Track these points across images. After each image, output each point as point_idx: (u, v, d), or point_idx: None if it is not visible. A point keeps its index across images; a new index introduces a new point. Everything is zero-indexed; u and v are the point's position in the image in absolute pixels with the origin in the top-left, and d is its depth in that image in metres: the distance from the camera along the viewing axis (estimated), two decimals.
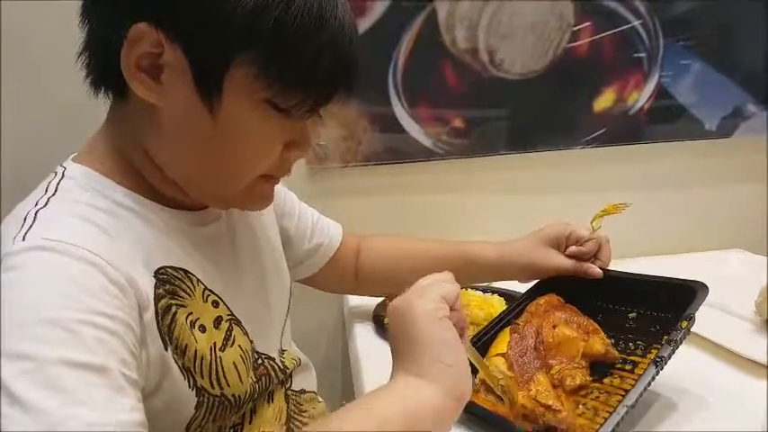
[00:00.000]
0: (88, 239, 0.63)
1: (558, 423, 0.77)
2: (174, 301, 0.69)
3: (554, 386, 0.83)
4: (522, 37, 1.41)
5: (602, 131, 1.48)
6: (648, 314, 0.93)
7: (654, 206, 1.55)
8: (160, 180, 0.74)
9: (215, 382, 0.73)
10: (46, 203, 0.66)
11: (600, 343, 0.88)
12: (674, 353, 0.80)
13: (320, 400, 0.97)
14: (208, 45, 0.65)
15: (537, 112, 1.46)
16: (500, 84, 1.43)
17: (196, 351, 0.70)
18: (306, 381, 0.95)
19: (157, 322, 0.66)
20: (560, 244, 1.03)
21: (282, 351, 0.91)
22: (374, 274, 1.15)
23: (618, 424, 0.72)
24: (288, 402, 0.89)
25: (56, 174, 0.72)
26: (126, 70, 0.65)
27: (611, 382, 0.84)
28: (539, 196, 1.53)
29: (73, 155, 0.76)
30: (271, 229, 0.96)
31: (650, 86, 1.47)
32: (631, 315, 0.95)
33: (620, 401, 0.75)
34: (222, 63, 0.65)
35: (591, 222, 1.02)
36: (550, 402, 0.78)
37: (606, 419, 0.73)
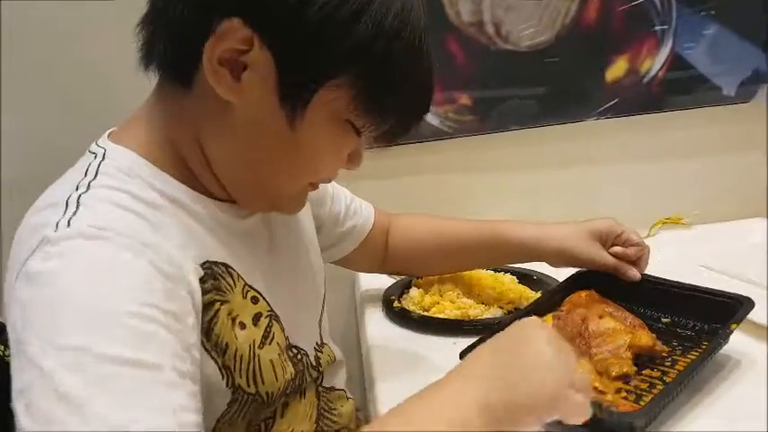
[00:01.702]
0: (135, 229, 0.61)
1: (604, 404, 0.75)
2: (217, 297, 0.68)
3: (599, 373, 0.82)
4: (528, 7, 1.35)
5: (615, 102, 1.43)
6: (682, 321, 0.94)
7: (672, 176, 1.51)
8: (207, 173, 0.72)
9: (251, 381, 0.72)
10: (87, 188, 0.64)
11: (647, 336, 0.88)
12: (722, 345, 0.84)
13: (349, 396, 0.96)
14: (306, 61, 0.64)
15: (547, 85, 1.41)
16: (507, 57, 1.38)
17: (236, 350, 0.69)
18: (336, 378, 0.94)
19: (200, 315, 0.65)
20: (606, 240, 1.02)
21: (321, 345, 0.90)
22: (404, 252, 1.14)
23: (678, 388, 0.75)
24: (319, 400, 0.87)
25: (94, 155, 0.69)
26: (208, 63, 0.63)
27: (651, 374, 0.84)
28: (552, 172, 1.49)
29: (109, 131, 0.73)
30: (305, 218, 0.95)
31: (664, 53, 1.41)
32: (665, 320, 0.96)
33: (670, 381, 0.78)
34: (318, 81, 0.64)
35: (650, 228, 0.99)
36: (596, 384, 0.78)
37: (669, 384, 0.77)
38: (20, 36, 1.24)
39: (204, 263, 0.68)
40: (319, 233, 1.00)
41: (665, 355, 0.87)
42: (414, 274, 1.22)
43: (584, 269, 1.04)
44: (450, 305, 1.11)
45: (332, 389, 0.92)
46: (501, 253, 1.10)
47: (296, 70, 0.64)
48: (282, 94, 0.65)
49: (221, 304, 0.69)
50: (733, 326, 0.85)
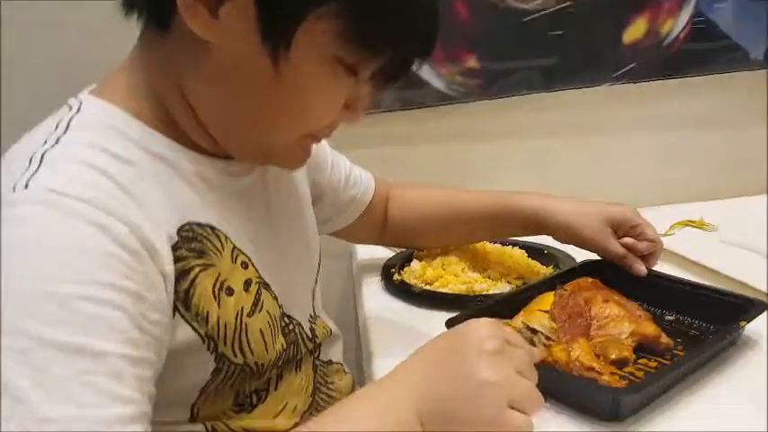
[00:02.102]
0: (100, 194, 0.56)
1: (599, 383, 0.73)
2: (198, 262, 0.64)
3: (596, 354, 0.78)
4: None
5: (632, 66, 1.35)
6: (687, 320, 0.89)
7: (690, 147, 1.43)
8: (193, 125, 0.67)
9: (238, 351, 0.68)
10: (55, 143, 0.59)
11: (653, 326, 0.83)
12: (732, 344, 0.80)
13: (347, 371, 0.91)
14: None
15: (559, 47, 1.33)
16: (517, 16, 1.29)
17: (219, 318, 0.65)
18: (333, 351, 0.90)
19: (175, 286, 0.61)
20: (619, 229, 0.96)
21: (315, 317, 0.86)
22: (404, 224, 1.09)
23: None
24: (315, 373, 0.84)
25: (69, 107, 0.64)
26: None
27: (648, 363, 0.80)
28: (563, 140, 1.42)
29: (90, 87, 0.68)
30: (302, 184, 0.90)
31: (687, 14, 1.32)
32: (669, 318, 0.90)
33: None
34: (301, 14, 0.59)
35: (670, 227, 1.00)
36: (593, 365, 0.74)
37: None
38: (20, 36, 1.21)
39: (184, 225, 0.64)
40: (318, 203, 0.95)
41: (666, 349, 0.82)
42: (414, 246, 1.15)
43: (594, 258, 0.98)
44: (453, 279, 1.03)
45: (329, 362, 0.88)
46: (509, 224, 1.04)
47: (276, 1, 0.59)
48: (264, 30, 0.60)
49: (203, 269, 0.64)
50: (743, 323, 0.79)
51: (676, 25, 1.32)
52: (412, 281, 1.05)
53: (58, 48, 1.21)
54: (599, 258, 0.97)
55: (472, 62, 1.31)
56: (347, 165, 1.03)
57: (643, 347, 0.81)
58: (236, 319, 0.67)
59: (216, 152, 0.69)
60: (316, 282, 0.89)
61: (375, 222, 1.08)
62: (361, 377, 0.99)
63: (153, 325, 0.56)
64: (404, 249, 1.18)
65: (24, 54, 1.22)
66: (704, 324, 0.87)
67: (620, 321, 0.83)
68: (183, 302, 0.62)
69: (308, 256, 0.88)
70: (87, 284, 0.51)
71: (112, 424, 0.49)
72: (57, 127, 0.61)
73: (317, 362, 0.85)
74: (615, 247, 0.95)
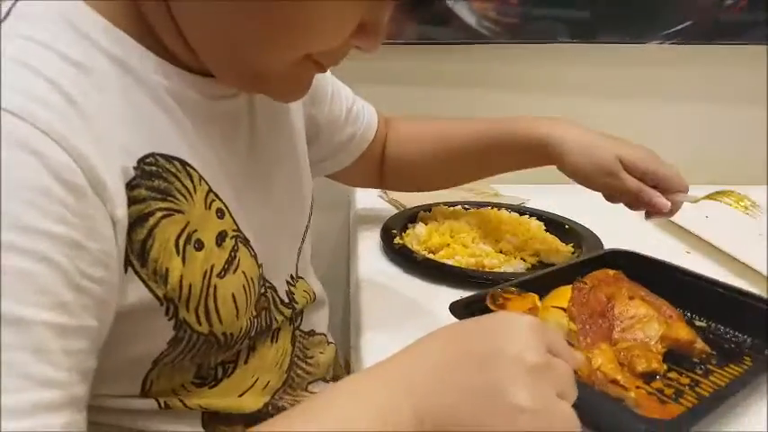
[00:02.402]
0: (39, 107, 0.45)
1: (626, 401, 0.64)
2: (161, 205, 0.53)
3: (621, 364, 0.69)
4: None
5: (687, 25, 1.21)
6: (721, 328, 0.78)
7: (741, 122, 1.30)
8: (171, 32, 0.55)
9: (203, 317, 0.57)
10: None
11: (686, 329, 0.72)
12: None
13: (330, 341, 0.83)
14: None
15: None
16: None
17: (182, 277, 0.55)
18: (317, 320, 0.81)
19: (128, 235, 0.50)
20: (632, 172, 0.84)
21: (296, 279, 0.76)
22: (400, 163, 0.98)
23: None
24: (294, 345, 0.74)
25: None
26: None
27: (680, 379, 0.69)
28: (598, 99, 1.29)
29: None
30: (297, 118, 0.78)
31: None
32: (699, 323, 0.79)
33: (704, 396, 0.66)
34: None
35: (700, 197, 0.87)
36: (618, 377, 0.65)
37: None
38: None
39: (147, 156, 0.52)
40: (313, 142, 0.83)
41: (697, 360, 0.72)
42: (414, 188, 1.05)
43: (622, 249, 0.87)
44: (462, 250, 0.92)
45: (311, 333, 0.79)
46: (514, 153, 0.92)
47: None
48: None
49: (166, 215, 0.53)
50: None
51: None
52: (414, 246, 0.94)
53: None
54: (626, 250, 0.86)
55: None
56: (349, 96, 0.91)
57: (672, 353, 0.71)
58: (204, 279, 0.57)
59: (195, 68, 0.58)
60: (303, 238, 0.78)
61: (374, 163, 0.97)
62: (345, 345, 0.90)
63: (94, 283, 0.46)
64: (406, 207, 1.07)
65: None
66: (742, 336, 0.75)
67: (647, 323, 0.73)
68: (137, 256, 0.51)
69: (299, 207, 0.77)
70: (11, 230, 0.41)
71: (27, 414, 0.40)
72: None
73: (298, 332, 0.76)
74: (627, 181, 0.83)
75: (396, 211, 1.09)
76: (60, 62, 0.48)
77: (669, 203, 0.83)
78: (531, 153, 0.89)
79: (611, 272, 0.79)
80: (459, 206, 1.08)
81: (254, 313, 0.65)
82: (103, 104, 0.50)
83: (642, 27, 1.21)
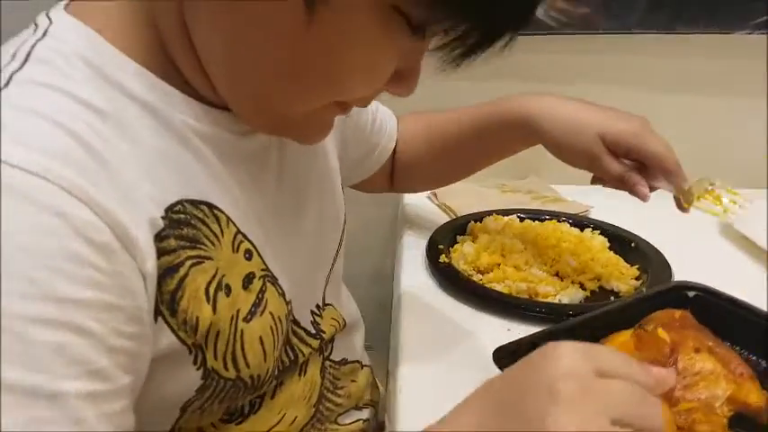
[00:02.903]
0: (62, 165, 0.43)
1: None
2: (191, 254, 0.52)
3: (679, 427, 0.63)
4: None
5: None
6: None
7: None
8: (194, 68, 0.53)
9: (230, 363, 0.56)
10: (6, 84, 0.46)
11: (758, 392, 0.65)
12: None
13: (365, 363, 0.81)
14: None
15: None
16: None
17: (211, 324, 0.54)
18: (350, 346, 0.79)
19: (158, 287, 0.49)
20: (617, 149, 0.80)
21: (323, 307, 0.73)
22: (405, 165, 0.95)
23: None
24: (323, 377, 0.73)
25: (35, 28, 0.50)
26: None
27: None
28: (675, 93, 1.20)
29: (67, 1, 0.54)
30: (328, 137, 0.74)
31: None
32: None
33: None
34: None
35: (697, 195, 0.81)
36: None
37: None
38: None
39: (175, 204, 0.51)
40: (341, 155, 0.79)
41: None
42: (421, 187, 1.04)
43: (692, 282, 0.78)
44: (513, 273, 0.85)
45: (343, 361, 0.76)
46: (503, 134, 0.87)
47: None
48: None
49: (195, 263, 0.52)
50: None
51: None
52: (461, 265, 0.88)
53: None
54: (696, 284, 0.78)
55: None
56: (374, 103, 0.85)
57: (740, 416, 0.64)
58: (231, 324, 0.55)
59: (221, 105, 0.55)
60: (334, 261, 0.74)
61: (388, 169, 0.94)
62: (384, 361, 0.85)
63: (129, 339, 0.45)
64: (457, 214, 1.03)
65: None
66: None
67: (714, 381, 0.65)
68: (167, 306, 0.50)
69: (331, 230, 0.74)
70: (39, 301, 0.40)
71: None
72: (13, 57, 0.47)
73: (328, 362, 0.73)
74: (610, 165, 0.80)
75: (445, 218, 1.03)
76: (82, 111, 0.46)
77: (649, 194, 0.79)
78: (518, 132, 0.85)
79: (678, 314, 0.72)
80: (515, 215, 1.01)
81: (280, 354, 0.63)
82: (129, 154, 0.48)
83: (728, 15, 1.10)
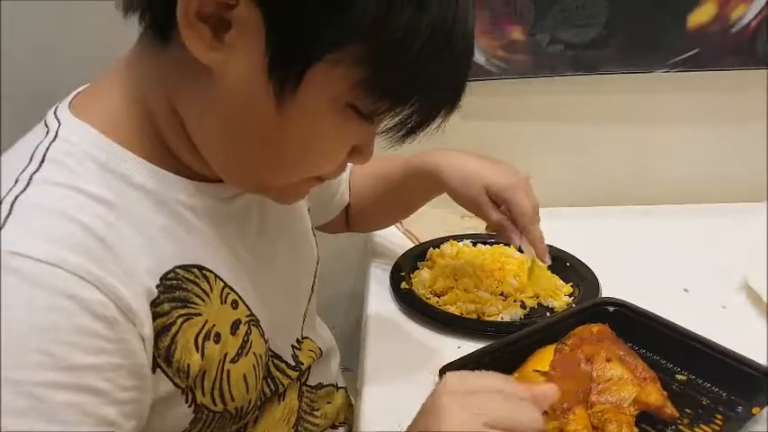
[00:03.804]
0: (73, 254, 0.50)
1: None
2: (182, 312, 0.59)
3: (594, 427, 0.72)
4: None
5: (694, 53, 1.21)
6: (700, 383, 0.81)
7: (749, 146, 1.30)
8: (187, 148, 0.61)
9: (218, 399, 0.64)
10: (27, 184, 0.53)
11: (658, 393, 0.75)
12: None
13: (340, 385, 0.89)
14: (302, 25, 0.51)
15: (615, 25, 1.19)
16: None
17: (199, 369, 0.61)
18: (325, 371, 0.87)
19: (154, 344, 0.57)
20: (498, 201, 0.92)
21: (301, 341, 0.81)
22: (356, 208, 1.05)
23: None
24: (300, 401, 0.81)
25: (46, 130, 0.58)
26: (183, 16, 0.52)
27: None
28: (609, 126, 1.31)
29: (71, 97, 0.62)
30: None
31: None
32: (680, 377, 0.83)
33: None
34: (316, 52, 0.52)
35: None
36: None
37: None
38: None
39: (168, 273, 0.58)
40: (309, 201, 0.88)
41: (669, 421, 0.75)
42: (369, 228, 1.14)
43: (614, 298, 0.91)
44: (463, 295, 0.98)
45: (318, 386, 0.85)
46: (420, 185, 0.98)
47: (289, 36, 0.52)
48: (271, 64, 0.53)
49: (186, 320, 0.59)
50: (755, 410, 0.73)
51: (749, 12, 1.17)
52: (420, 290, 1.00)
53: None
54: (615, 300, 0.90)
55: (517, 34, 1.20)
56: None
57: (647, 414, 0.75)
58: (219, 365, 0.64)
59: (209, 175, 0.64)
60: (309, 300, 0.83)
61: (344, 213, 1.04)
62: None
63: (132, 391, 0.53)
64: (419, 240, 1.14)
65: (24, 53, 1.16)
66: (719, 391, 0.79)
67: (622, 385, 0.76)
68: (164, 359, 0.58)
69: (306, 274, 0.83)
70: (56, 370, 0.47)
71: None
72: (31, 159, 0.55)
73: (305, 387, 0.82)
74: (491, 215, 0.91)
75: (410, 244, 1.14)
76: (92, 204, 0.54)
77: (518, 242, 0.90)
78: (428, 181, 0.95)
79: (595, 328, 0.83)
80: (469, 240, 1.13)
81: (263, 385, 0.71)
82: (129, 236, 0.55)
83: (649, 56, 1.21)
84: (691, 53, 1.21)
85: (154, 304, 0.56)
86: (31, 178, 0.53)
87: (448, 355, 0.83)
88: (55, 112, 0.60)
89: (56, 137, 0.57)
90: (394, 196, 1.01)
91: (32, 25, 1.14)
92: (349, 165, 0.95)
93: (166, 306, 0.58)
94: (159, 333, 0.57)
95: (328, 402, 0.86)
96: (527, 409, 0.55)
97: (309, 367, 0.81)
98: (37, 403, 0.46)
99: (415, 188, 0.99)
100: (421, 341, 0.92)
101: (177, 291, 0.59)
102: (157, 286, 0.57)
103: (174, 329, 0.58)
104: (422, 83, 0.55)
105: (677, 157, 1.32)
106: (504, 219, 0.91)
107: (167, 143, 0.61)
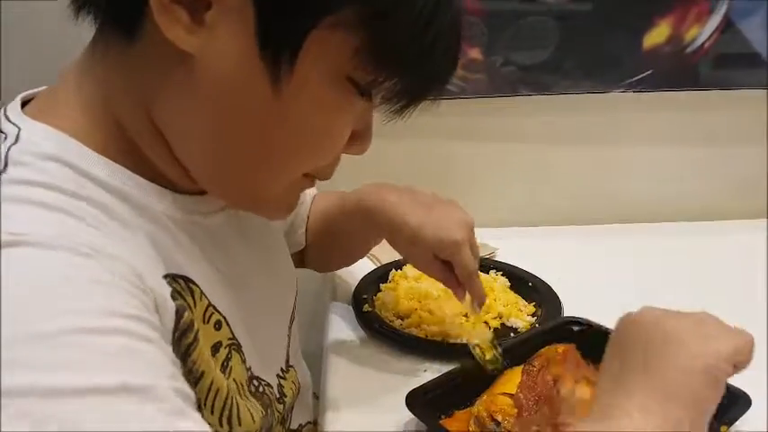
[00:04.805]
0: (74, 232, 0.46)
1: None
2: (191, 317, 0.54)
3: None
4: None
5: (648, 73, 1.22)
6: None
7: (701, 164, 1.33)
8: (163, 155, 0.56)
9: (225, 420, 0.58)
10: None
11: None
12: None
13: (315, 420, 0.85)
14: None
15: (570, 45, 1.20)
16: (528, 8, 1.17)
17: (213, 381, 0.56)
18: (303, 408, 0.82)
19: (173, 339, 0.51)
20: (443, 255, 0.85)
21: (286, 370, 0.76)
22: (314, 247, 0.99)
23: None
24: None
25: (4, 135, 0.51)
26: (155, 1, 0.48)
27: None
28: (565, 146, 1.31)
29: (24, 97, 0.57)
30: None
31: (715, 21, 1.19)
32: None
33: None
34: (312, 19, 0.49)
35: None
36: None
37: None
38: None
39: (166, 276, 0.54)
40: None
41: None
42: (320, 269, 1.06)
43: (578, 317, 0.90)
44: (427, 317, 0.96)
45: (299, 428, 0.81)
46: (366, 230, 0.92)
47: (281, 3, 0.48)
48: (263, 39, 0.49)
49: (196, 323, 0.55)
50: (723, 428, 0.72)
51: (702, 33, 1.20)
52: (383, 313, 0.98)
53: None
54: (579, 319, 0.89)
55: (475, 53, 1.20)
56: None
57: None
58: (228, 386, 0.59)
59: (189, 189, 0.59)
60: (291, 321, 0.80)
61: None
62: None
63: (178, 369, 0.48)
64: (381, 262, 1.11)
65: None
66: None
67: (589, 406, 0.70)
68: (181, 357, 0.52)
69: (287, 295, 0.80)
70: (104, 316, 0.42)
71: None
72: None
73: None
74: (437, 273, 0.87)
75: (371, 266, 1.11)
76: (71, 201, 0.48)
77: (464, 297, 0.86)
78: (367, 226, 0.90)
79: (561, 348, 0.82)
80: None
81: (263, 412, 0.66)
82: (122, 233, 0.51)
83: (604, 77, 1.23)
84: (644, 74, 1.23)
85: (173, 297, 0.52)
86: None
87: (412, 380, 0.81)
88: (6, 116, 0.53)
89: (17, 140, 0.51)
90: (334, 237, 0.97)
91: (33, 25, 1.10)
92: (308, 203, 0.96)
93: (182, 303, 0.53)
94: (185, 329, 0.52)
95: None
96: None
97: (292, 407, 0.77)
98: (90, 351, 0.40)
99: (354, 233, 0.95)
100: (388, 364, 0.90)
101: (179, 296, 0.54)
102: (165, 282, 0.53)
103: (195, 328, 0.54)
104: (420, 47, 0.52)
105: (636, 176, 1.33)
106: (448, 275, 0.86)
107: (140, 151, 0.55)
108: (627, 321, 0.60)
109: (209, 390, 0.56)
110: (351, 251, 1.00)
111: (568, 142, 1.30)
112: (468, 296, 0.87)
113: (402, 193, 0.87)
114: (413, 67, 0.53)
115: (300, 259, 0.99)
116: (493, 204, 1.17)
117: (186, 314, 0.53)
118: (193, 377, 0.54)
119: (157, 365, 0.43)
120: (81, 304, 0.42)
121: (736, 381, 0.73)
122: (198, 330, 0.54)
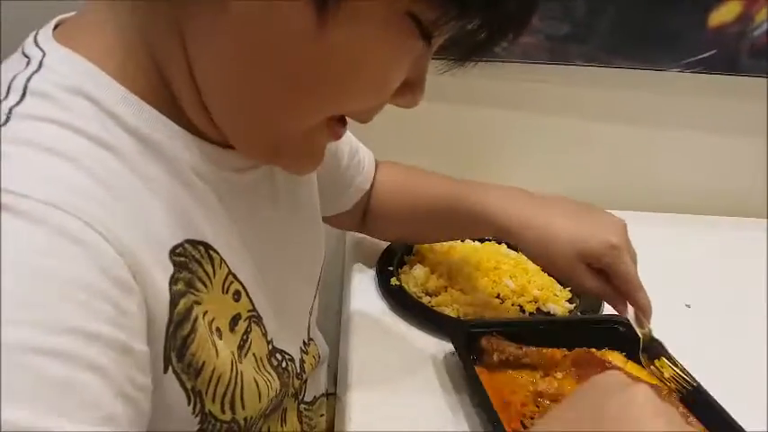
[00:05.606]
0: (77, 195, 0.40)
1: None
2: (194, 299, 0.49)
3: None
4: None
5: (711, 53, 1.13)
6: None
7: (754, 157, 1.24)
8: (194, 100, 0.50)
9: (227, 406, 0.54)
10: (7, 119, 0.42)
11: None
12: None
13: (330, 392, 0.82)
14: None
15: (628, 15, 1.11)
16: None
17: (214, 369, 0.51)
18: (316, 381, 0.78)
19: (167, 334, 0.46)
20: (594, 262, 0.76)
21: (308, 343, 0.72)
22: (377, 215, 0.93)
23: None
24: (301, 422, 0.72)
25: (27, 60, 0.46)
26: None
27: None
28: (608, 125, 1.22)
29: (57, 20, 0.51)
30: None
31: None
32: None
33: None
34: None
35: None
36: None
37: None
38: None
39: (177, 247, 0.48)
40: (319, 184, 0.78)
41: None
42: (386, 238, 0.99)
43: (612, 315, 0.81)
44: (460, 297, 0.89)
45: (313, 401, 0.76)
46: (469, 227, 0.88)
47: None
48: None
49: (196, 308, 0.49)
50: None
51: None
52: (411, 288, 0.91)
53: None
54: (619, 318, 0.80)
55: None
56: (353, 140, 0.85)
57: None
58: (232, 367, 0.54)
59: (219, 141, 0.53)
60: (316, 293, 0.74)
61: (360, 210, 0.92)
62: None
63: (139, 391, 0.41)
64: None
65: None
66: None
67: None
68: (177, 352, 0.47)
69: (316, 257, 0.74)
70: (55, 333, 0.36)
71: None
72: (9, 91, 0.44)
73: (302, 406, 0.73)
74: (588, 283, 0.77)
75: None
76: (91, 146, 0.43)
77: (628, 316, 0.76)
78: (487, 229, 0.83)
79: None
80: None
81: (279, 388, 0.62)
82: (143, 189, 0.46)
83: (663, 53, 1.14)
84: (706, 54, 1.14)
85: (173, 281, 0.46)
86: (10, 112, 0.42)
87: (443, 361, 0.77)
88: (36, 41, 0.48)
89: (40, 66, 0.45)
90: (429, 224, 0.91)
91: (33, 25, 1.01)
92: (372, 160, 0.90)
93: (181, 286, 0.47)
94: (181, 320, 0.47)
95: (321, 415, 0.78)
96: None
97: (306, 380, 0.72)
98: (24, 377, 0.34)
99: (463, 230, 0.91)
100: (414, 342, 0.83)
101: (184, 271, 0.48)
102: (170, 261, 0.47)
103: (193, 316, 0.48)
104: None
105: (672, 162, 1.26)
106: (605, 287, 0.76)
107: (173, 90, 0.50)
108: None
109: (211, 380, 0.51)
110: (441, 238, 0.97)
111: (610, 119, 1.22)
112: (630, 309, 0.76)
113: (534, 204, 0.80)
114: (484, 7, 0.45)
115: (351, 221, 0.94)
116: (524, 176, 1.08)
117: (183, 302, 0.47)
118: (194, 370, 0.49)
119: (90, 406, 0.37)
120: (39, 313, 0.36)
121: (738, 384, 0.71)
122: (197, 318, 0.49)
